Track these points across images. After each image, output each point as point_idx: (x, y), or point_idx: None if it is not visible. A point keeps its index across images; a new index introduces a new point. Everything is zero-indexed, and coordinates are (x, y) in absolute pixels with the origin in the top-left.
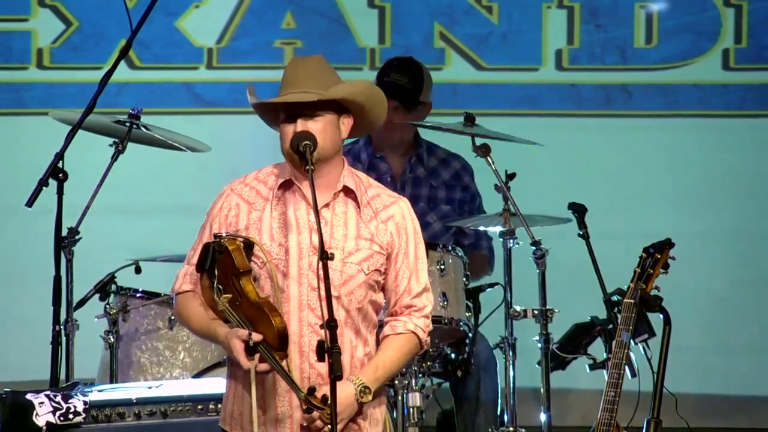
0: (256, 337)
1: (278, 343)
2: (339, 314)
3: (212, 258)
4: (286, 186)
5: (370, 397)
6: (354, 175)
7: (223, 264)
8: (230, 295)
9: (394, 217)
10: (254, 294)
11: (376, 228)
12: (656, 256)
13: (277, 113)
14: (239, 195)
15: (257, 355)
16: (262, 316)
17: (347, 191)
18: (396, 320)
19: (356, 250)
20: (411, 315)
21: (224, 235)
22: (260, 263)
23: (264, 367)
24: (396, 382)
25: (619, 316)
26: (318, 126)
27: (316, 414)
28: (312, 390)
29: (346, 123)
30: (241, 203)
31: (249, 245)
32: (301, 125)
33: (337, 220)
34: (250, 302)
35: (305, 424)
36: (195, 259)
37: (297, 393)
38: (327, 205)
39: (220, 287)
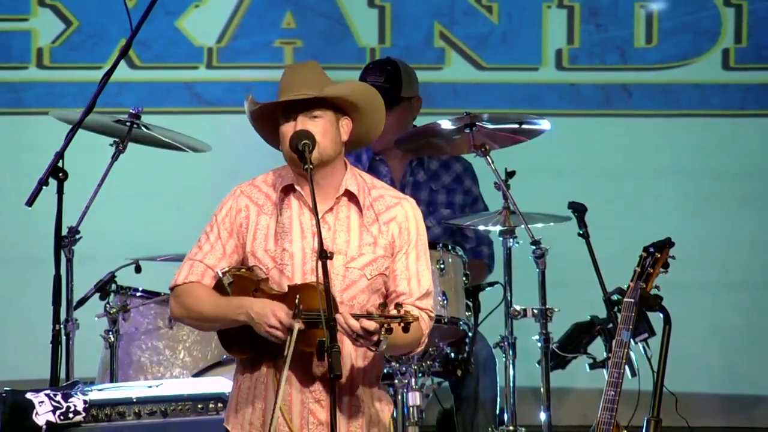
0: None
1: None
2: None
3: (228, 292)
4: (289, 190)
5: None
6: (357, 177)
7: (239, 290)
8: None
9: (397, 218)
10: (276, 292)
11: (378, 231)
12: (656, 255)
13: (275, 121)
14: (248, 197)
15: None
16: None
17: (350, 195)
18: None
19: (359, 254)
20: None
21: (227, 269)
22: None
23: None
24: (396, 381)
25: (619, 315)
26: (318, 126)
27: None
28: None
29: (345, 125)
30: (250, 205)
31: (250, 269)
32: (301, 123)
33: (340, 225)
34: (280, 297)
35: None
36: (200, 257)
37: (370, 318)
38: (330, 210)
39: None
